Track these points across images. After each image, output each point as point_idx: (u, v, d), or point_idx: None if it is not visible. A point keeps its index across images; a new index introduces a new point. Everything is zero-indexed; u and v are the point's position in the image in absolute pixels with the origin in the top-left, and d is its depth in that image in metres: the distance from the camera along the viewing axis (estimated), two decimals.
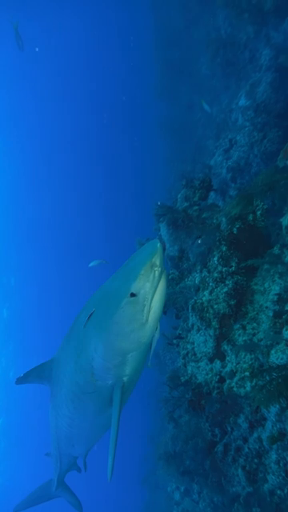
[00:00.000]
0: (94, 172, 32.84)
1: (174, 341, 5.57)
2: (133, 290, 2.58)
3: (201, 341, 4.84)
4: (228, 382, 4.33)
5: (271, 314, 3.89)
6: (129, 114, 27.21)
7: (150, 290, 2.58)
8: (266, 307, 4.08)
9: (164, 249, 5.57)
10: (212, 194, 6.98)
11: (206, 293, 4.52)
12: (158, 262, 2.55)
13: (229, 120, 10.65)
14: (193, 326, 5.03)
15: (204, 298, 4.50)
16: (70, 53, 30.57)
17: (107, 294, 2.91)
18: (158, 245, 2.58)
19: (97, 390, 3.19)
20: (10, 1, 21.92)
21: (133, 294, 2.59)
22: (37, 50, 26.46)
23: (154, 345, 2.90)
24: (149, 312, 2.63)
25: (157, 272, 2.56)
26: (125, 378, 3.06)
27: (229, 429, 4.63)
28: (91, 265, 7.60)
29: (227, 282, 4.36)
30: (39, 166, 34.20)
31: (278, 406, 3.40)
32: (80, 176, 33.45)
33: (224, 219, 4.57)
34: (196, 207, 5.35)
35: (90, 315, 2.96)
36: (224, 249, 4.50)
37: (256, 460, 4.14)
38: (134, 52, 22.99)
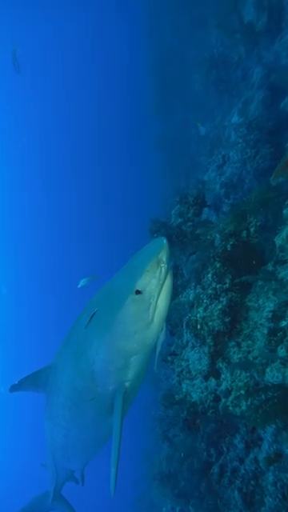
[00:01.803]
0: (89, 187, 33.00)
1: (169, 358, 5.51)
2: (138, 287, 2.44)
3: (195, 358, 4.78)
4: (223, 400, 4.26)
5: (266, 331, 3.85)
6: (124, 130, 27.51)
7: (156, 288, 2.45)
8: (261, 324, 4.04)
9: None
10: (206, 209, 7.00)
11: (201, 310, 4.48)
12: (164, 259, 2.41)
13: (222, 136, 10.79)
14: (187, 342, 4.98)
15: (198, 315, 4.46)
16: (66, 69, 31.06)
17: (110, 292, 2.76)
18: (165, 241, 2.44)
19: (97, 397, 3.00)
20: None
21: (138, 292, 2.45)
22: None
23: (159, 347, 2.75)
24: (154, 311, 2.49)
25: (163, 269, 2.42)
26: (127, 384, 2.88)
27: (225, 449, 4.54)
28: (80, 285, 7.38)
29: (221, 299, 4.33)
30: (35, 177, 34.37)
31: (274, 426, 3.34)
32: (75, 190, 33.57)
33: (218, 236, 4.57)
34: (190, 223, 5.36)
35: (92, 316, 2.79)
36: (218, 265, 4.48)
37: (253, 482, 4.05)
38: (130, 70, 23.37)
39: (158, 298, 2.47)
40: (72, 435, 3.60)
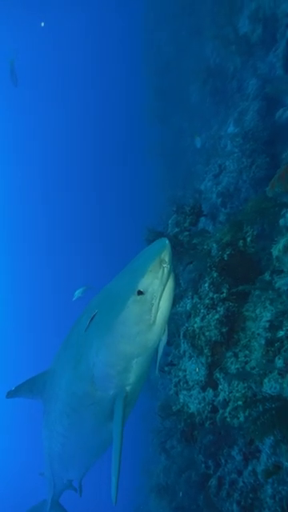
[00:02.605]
0: (86, 195, 33.08)
1: (166, 368, 5.47)
2: (140, 288, 2.38)
3: (193, 368, 4.75)
4: (221, 411, 4.22)
5: (263, 341, 3.84)
6: (121, 139, 27.69)
7: (159, 288, 2.39)
8: (258, 334, 4.03)
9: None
10: (202, 218, 7.03)
11: (198, 319, 4.46)
12: (167, 259, 2.36)
13: (218, 146, 10.87)
14: (184, 353, 4.95)
15: (195, 325, 4.44)
16: (64, 77, 31.33)
17: (111, 293, 2.69)
18: (167, 242, 2.39)
19: (96, 402, 2.91)
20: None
21: (140, 292, 2.39)
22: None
23: (161, 350, 2.67)
24: (156, 312, 2.43)
25: (166, 269, 2.37)
26: (128, 388, 2.80)
27: (222, 461, 4.49)
28: (76, 297, 7.31)
29: (218, 309, 4.32)
30: (33, 186, 34.47)
31: (272, 438, 3.30)
32: (72, 199, 33.65)
33: (215, 245, 4.57)
34: (186, 233, 5.37)
35: (93, 317, 2.72)
36: (215, 275, 4.48)
37: (251, 495, 4.00)
38: (127, 80, 23.61)
39: (160, 299, 2.42)
40: (70, 443, 3.50)
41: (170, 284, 2.44)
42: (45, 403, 3.68)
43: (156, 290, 2.39)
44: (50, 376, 3.48)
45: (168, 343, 5.52)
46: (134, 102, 21.20)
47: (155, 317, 2.44)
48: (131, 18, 20.97)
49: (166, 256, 2.36)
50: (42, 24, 26.01)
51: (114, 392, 2.79)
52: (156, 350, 2.69)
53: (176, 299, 5.46)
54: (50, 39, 29.35)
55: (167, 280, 2.41)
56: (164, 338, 2.60)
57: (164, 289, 2.41)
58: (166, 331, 2.59)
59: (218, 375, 4.29)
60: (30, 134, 33.00)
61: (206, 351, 4.34)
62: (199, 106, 13.24)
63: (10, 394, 3.59)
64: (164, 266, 2.36)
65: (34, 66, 27.86)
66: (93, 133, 31.99)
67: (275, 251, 3.73)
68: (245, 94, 9.91)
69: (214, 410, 4.31)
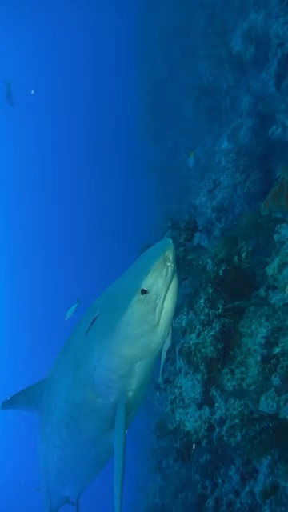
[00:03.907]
0: (80, 211, 33.21)
1: (162, 385, 5.40)
2: (144, 286, 2.29)
3: (189, 386, 4.70)
4: (218, 430, 4.16)
5: (259, 358, 3.81)
6: (116, 155, 27.96)
7: (163, 288, 2.30)
8: (254, 351, 4.00)
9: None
10: (197, 233, 7.05)
11: (193, 336, 4.43)
12: (171, 258, 2.29)
13: (212, 161, 10.99)
14: (180, 369, 4.90)
15: (191, 342, 4.41)
16: (59, 93, 31.76)
17: (114, 293, 2.60)
18: (171, 241, 2.33)
19: (96, 410, 2.75)
20: None
21: (144, 291, 2.29)
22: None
23: (165, 354, 2.55)
24: (160, 313, 2.34)
25: (170, 268, 2.29)
26: (130, 394, 2.65)
27: (220, 481, 4.40)
28: (68, 316, 7.18)
29: (214, 325, 4.29)
30: (31, 201, 34.65)
31: (269, 457, 3.25)
32: (66, 214, 33.75)
33: (210, 261, 4.57)
34: (182, 248, 5.36)
35: (94, 320, 2.60)
36: (210, 291, 4.47)
37: None
38: (122, 97, 23.97)
39: (164, 299, 2.33)
40: (68, 457, 3.31)
41: (174, 284, 2.36)
42: (41, 414, 3.47)
43: (160, 289, 2.31)
44: (48, 384, 3.30)
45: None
46: (129, 118, 21.48)
47: (159, 317, 2.35)
48: (126, 37, 21.41)
49: (169, 255, 2.30)
50: (32, 92, 26.74)
51: (116, 398, 2.66)
52: (159, 354, 2.57)
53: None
54: (44, 59, 29.96)
55: (171, 280, 2.34)
56: (168, 341, 2.50)
57: (168, 289, 2.34)
58: (171, 333, 2.50)
59: (214, 392, 4.25)
60: (26, 152, 33.31)
61: (201, 368, 4.29)
62: (193, 122, 13.44)
63: (6, 405, 3.41)
64: (168, 264, 2.29)
65: (30, 81, 28.27)
66: (89, 148, 32.28)
67: (270, 270, 3.73)
68: (238, 110, 10.07)
69: (211, 428, 4.25)
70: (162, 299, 2.33)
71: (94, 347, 2.61)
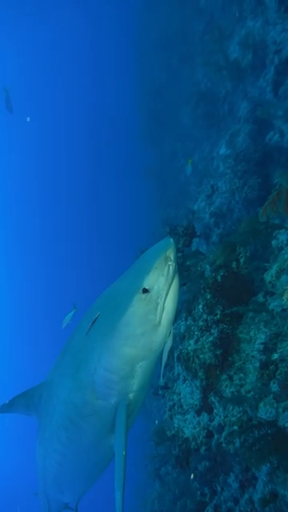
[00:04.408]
0: (78, 216, 33.25)
1: (160, 391, 5.38)
2: (146, 285, 2.26)
3: (187, 392, 4.68)
4: (216, 437, 4.14)
5: (258, 364, 3.79)
6: (115, 160, 28.05)
7: (164, 287, 2.27)
8: (253, 357, 3.99)
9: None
10: (196, 238, 7.06)
11: (192, 342, 4.41)
12: (172, 256, 2.27)
13: (210, 167, 11.03)
14: (178, 376, 4.88)
15: (189, 348, 4.39)
16: (58, 100, 31.92)
17: (115, 293, 2.57)
18: (172, 240, 2.33)
19: (97, 412, 2.70)
20: None
21: (145, 290, 2.27)
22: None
23: (166, 355, 2.50)
24: (162, 312, 2.31)
25: (171, 267, 2.27)
26: (131, 395, 2.61)
27: (218, 488, 4.37)
28: (64, 325, 7.12)
29: (212, 331, 4.28)
30: (31, 205, 34.71)
31: (268, 465, 3.23)
32: (65, 218, 33.78)
33: (208, 267, 4.57)
34: (180, 254, 5.37)
35: (94, 320, 2.56)
36: (209, 296, 4.46)
37: None
38: (122, 103, 24.09)
39: (165, 299, 2.31)
40: (67, 461, 3.24)
41: (175, 283, 2.34)
42: (40, 418, 3.39)
43: (162, 287, 2.28)
44: (47, 387, 3.24)
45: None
46: (128, 123, 21.58)
47: (160, 317, 2.32)
48: (124, 43, 21.56)
49: (171, 254, 2.28)
50: (28, 119, 26.91)
51: (116, 400, 2.62)
52: (160, 355, 2.54)
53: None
54: (44, 65, 30.16)
55: (172, 279, 2.31)
56: (169, 341, 2.46)
57: (169, 288, 2.31)
58: (172, 334, 2.47)
59: (212, 399, 4.23)
60: (24, 158, 33.40)
61: (200, 374, 4.27)
62: (191, 128, 13.50)
63: (4, 409, 3.35)
64: (169, 263, 2.27)
65: (29, 91, 28.47)
66: (87, 154, 32.39)
67: (268, 277, 3.73)
68: (236, 116, 10.13)
69: (210, 434, 4.22)
70: (163, 298, 2.30)
71: (95, 348, 2.57)
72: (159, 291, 2.29)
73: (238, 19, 10.03)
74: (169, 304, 2.33)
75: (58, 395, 3.01)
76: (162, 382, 2.83)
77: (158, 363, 2.68)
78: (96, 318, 2.56)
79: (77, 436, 2.96)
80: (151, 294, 2.29)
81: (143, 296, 2.29)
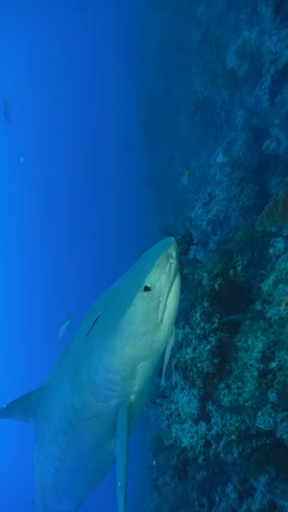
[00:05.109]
0: (76, 222, 33.29)
1: (158, 400, 5.34)
2: (147, 283, 2.22)
3: (185, 401, 4.65)
4: (214, 446, 4.11)
5: (256, 373, 3.78)
6: (113, 167, 28.16)
7: (166, 285, 2.23)
8: (251, 365, 3.98)
9: None
10: (193, 246, 7.06)
11: (189, 350, 4.40)
12: (174, 254, 2.24)
13: (208, 174, 11.07)
14: (176, 384, 4.86)
15: (187, 356, 4.38)
16: (57, 108, 32.13)
17: (116, 292, 2.51)
18: (173, 239, 2.30)
19: (97, 415, 2.63)
20: None
21: (147, 288, 2.23)
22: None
23: (168, 355, 2.44)
24: (164, 311, 2.27)
25: (173, 265, 2.23)
26: (132, 397, 2.55)
27: (217, 499, 4.33)
28: (60, 335, 7.07)
29: (210, 339, 4.27)
30: (29, 213, 34.77)
31: (267, 475, 3.20)
32: (64, 229, 33.83)
33: (205, 275, 4.57)
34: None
35: (95, 321, 2.51)
36: (206, 304, 4.46)
37: None
38: (120, 111, 24.25)
39: (167, 297, 2.27)
40: (66, 468, 3.14)
41: (177, 282, 2.30)
42: (38, 423, 3.30)
43: (163, 285, 2.24)
44: (46, 391, 3.17)
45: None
46: (126, 131, 21.70)
47: (162, 315, 2.28)
48: (123, 52, 21.77)
49: (172, 251, 2.25)
50: (22, 159, 27.03)
51: (117, 402, 2.56)
52: (162, 355, 2.48)
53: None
54: (42, 73, 30.39)
55: (174, 277, 2.27)
56: (171, 341, 2.42)
57: (171, 286, 2.27)
58: (174, 333, 2.42)
59: (210, 408, 4.20)
60: (23, 165, 33.50)
61: (198, 383, 4.26)
62: (189, 136, 13.58)
63: (2, 414, 3.29)
64: (171, 261, 2.24)
65: (28, 101, 28.71)
66: (86, 161, 32.51)
67: (265, 286, 3.74)
68: (233, 125, 10.19)
69: (207, 444, 4.19)
70: (165, 297, 2.26)
71: (95, 348, 2.52)
72: (161, 289, 2.25)
73: (234, 29, 10.14)
74: (170, 302, 2.30)
75: (57, 398, 2.93)
76: (163, 383, 2.77)
77: (159, 364, 2.62)
78: (96, 318, 2.52)
79: (76, 440, 2.89)
80: (153, 292, 2.25)
81: (145, 294, 2.26)
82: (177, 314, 2.38)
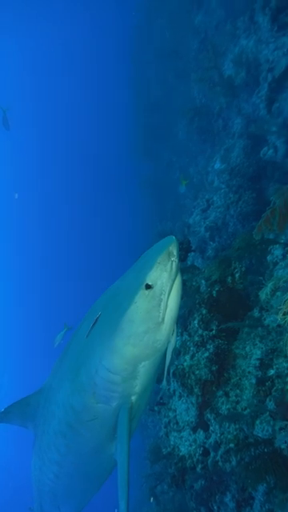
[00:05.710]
0: (74, 228, 33.31)
1: (156, 407, 5.31)
2: (149, 281, 2.19)
3: (183, 408, 4.63)
4: (212, 455, 4.08)
5: (254, 380, 3.77)
6: (111, 173, 28.25)
7: (168, 283, 2.21)
8: (249, 372, 3.97)
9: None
10: (191, 253, 7.06)
11: (187, 357, 4.39)
12: (175, 252, 2.22)
13: (205, 181, 11.12)
14: (174, 392, 4.84)
15: (185, 364, 4.36)
16: (57, 113, 32.29)
17: (117, 291, 2.48)
18: (174, 237, 2.27)
19: (97, 417, 2.58)
20: None
21: (148, 286, 2.20)
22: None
23: (169, 355, 2.40)
24: (165, 309, 2.24)
25: (174, 263, 2.21)
26: (133, 398, 2.50)
27: (215, 508, 4.29)
28: (57, 343, 7.03)
29: (208, 347, 4.26)
30: (30, 222, 34.83)
31: (265, 484, 3.18)
32: (62, 235, 33.84)
33: (204, 282, 4.57)
34: None
35: (95, 321, 2.47)
36: (204, 312, 4.45)
37: None
38: (118, 118, 24.38)
39: (168, 295, 2.24)
40: (65, 473, 3.07)
41: (178, 281, 2.28)
42: (37, 427, 3.22)
43: (165, 283, 2.22)
44: (45, 393, 3.10)
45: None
46: (125, 137, 21.80)
47: (164, 314, 2.25)
48: (122, 59, 21.93)
49: (173, 249, 2.23)
50: (16, 196, 27.24)
51: (118, 404, 2.51)
52: (163, 356, 2.44)
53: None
54: (41, 79, 30.58)
55: (175, 275, 2.25)
56: (173, 340, 2.37)
57: (172, 285, 2.25)
58: (175, 332, 2.38)
59: (208, 416, 4.18)
60: (21, 169, 33.60)
61: (196, 390, 4.24)
62: (186, 143, 13.65)
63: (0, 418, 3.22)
64: (172, 259, 2.22)
65: (27, 105, 28.84)
66: (85, 166, 32.61)
67: (262, 295, 3.74)
68: (230, 132, 10.26)
69: (206, 452, 4.16)
70: (166, 295, 2.24)
71: (96, 348, 2.48)
72: (162, 287, 2.22)
73: (231, 37, 10.24)
74: (172, 301, 2.27)
75: (56, 400, 2.88)
76: (165, 384, 2.72)
77: (160, 364, 2.56)
78: (97, 318, 2.49)
79: (76, 444, 2.83)
80: (154, 290, 2.23)
81: (146, 292, 2.23)
82: (178, 312, 2.35)
